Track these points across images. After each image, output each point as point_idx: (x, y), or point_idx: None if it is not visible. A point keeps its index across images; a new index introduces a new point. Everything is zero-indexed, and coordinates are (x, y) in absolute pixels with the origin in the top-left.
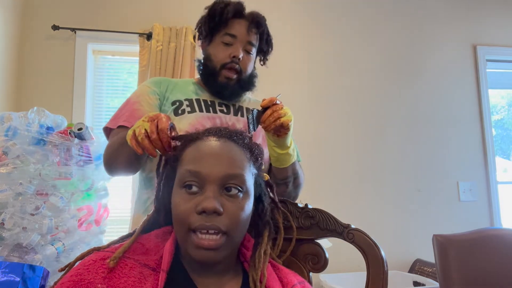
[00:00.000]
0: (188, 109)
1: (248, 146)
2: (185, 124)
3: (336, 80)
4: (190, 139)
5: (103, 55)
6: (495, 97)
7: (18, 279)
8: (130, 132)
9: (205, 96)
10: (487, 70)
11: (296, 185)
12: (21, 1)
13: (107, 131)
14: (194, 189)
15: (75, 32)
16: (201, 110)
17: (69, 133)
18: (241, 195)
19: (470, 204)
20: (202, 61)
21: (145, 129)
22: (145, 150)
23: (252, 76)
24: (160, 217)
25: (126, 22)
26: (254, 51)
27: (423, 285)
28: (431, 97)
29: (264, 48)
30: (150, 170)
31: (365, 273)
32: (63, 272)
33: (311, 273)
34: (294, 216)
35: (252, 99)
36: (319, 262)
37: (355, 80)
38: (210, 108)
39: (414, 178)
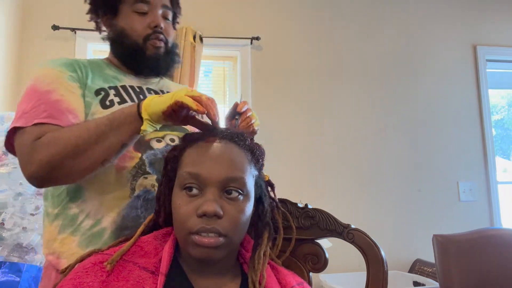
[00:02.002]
0: (117, 99)
1: (249, 148)
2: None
3: (336, 80)
4: (191, 139)
5: (103, 55)
6: (495, 97)
7: (18, 279)
8: (179, 94)
9: (129, 81)
10: (487, 70)
11: None
12: (21, 1)
13: (12, 133)
14: (195, 191)
15: (75, 32)
16: (132, 100)
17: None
18: (241, 197)
19: (470, 204)
20: (115, 38)
21: (198, 93)
22: (209, 108)
23: (174, 46)
24: (160, 219)
25: None
26: (171, 16)
27: (423, 285)
28: (431, 97)
29: (177, 11)
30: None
31: (365, 273)
32: (62, 274)
33: (311, 273)
34: (294, 216)
35: (178, 84)
36: (319, 262)
37: (355, 80)
38: (141, 96)
39: (414, 178)
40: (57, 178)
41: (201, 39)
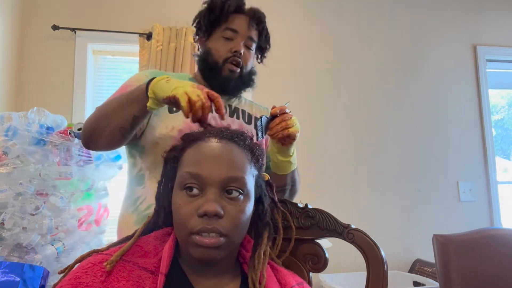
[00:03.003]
0: None
1: (249, 147)
2: (179, 121)
3: (337, 80)
4: (191, 139)
5: (103, 55)
6: (495, 97)
7: (18, 279)
8: (179, 90)
9: None
10: (487, 70)
11: (293, 192)
12: (21, 1)
13: None
14: (195, 191)
15: (75, 32)
16: None
17: (69, 133)
18: (241, 197)
19: (470, 204)
20: (202, 55)
21: (197, 95)
22: (202, 111)
23: (252, 72)
24: (160, 219)
25: (126, 22)
26: (254, 47)
27: (423, 285)
28: (431, 97)
29: (263, 45)
30: (140, 168)
31: (365, 273)
32: (62, 275)
33: (311, 273)
34: (294, 216)
35: (248, 100)
36: (319, 262)
37: (355, 80)
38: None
39: (414, 178)
40: (92, 141)
41: None
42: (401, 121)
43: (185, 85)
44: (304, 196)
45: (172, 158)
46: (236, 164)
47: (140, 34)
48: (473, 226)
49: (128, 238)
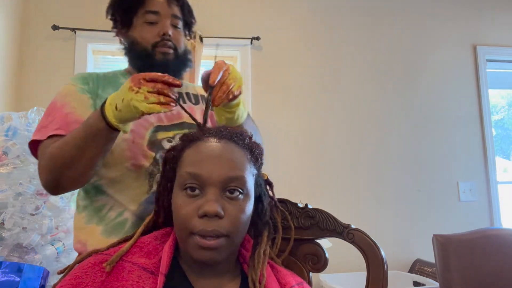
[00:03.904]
0: None
1: (248, 147)
2: (128, 124)
3: (336, 80)
4: (190, 139)
5: (103, 55)
6: (495, 97)
7: (18, 279)
8: (141, 104)
9: None
10: (487, 70)
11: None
12: (21, 1)
13: (34, 145)
14: (195, 191)
15: (75, 32)
16: None
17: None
18: (242, 197)
19: (470, 204)
20: (128, 47)
21: (146, 91)
22: (166, 100)
23: (187, 51)
24: (160, 219)
25: None
26: (181, 24)
27: (423, 285)
28: (431, 97)
29: (188, 20)
30: (98, 177)
31: (365, 273)
32: (62, 275)
33: (311, 273)
34: (294, 216)
35: (189, 84)
36: (319, 262)
37: (355, 80)
38: None
39: (414, 178)
40: (61, 188)
41: (201, 39)
42: (401, 121)
43: (132, 97)
44: (304, 196)
45: (171, 159)
46: (236, 163)
47: None
48: (473, 226)
49: (128, 239)
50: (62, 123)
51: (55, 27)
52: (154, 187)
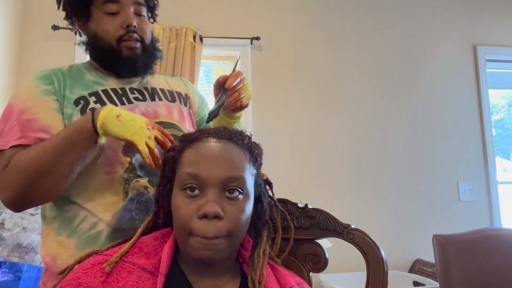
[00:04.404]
0: (98, 105)
1: (247, 147)
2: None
3: (336, 80)
4: (189, 140)
5: None
6: (495, 97)
7: (18, 279)
8: (141, 141)
9: (110, 83)
10: (487, 70)
11: None
12: (21, 1)
13: None
14: (195, 192)
15: (75, 32)
16: (114, 104)
17: None
18: (241, 197)
19: (470, 204)
20: (90, 42)
21: (154, 136)
22: (155, 160)
23: (154, 41)
24: (159, 220)
25: None
26: (145, 11)
27: (423, 285)
28: (431, 97)
29: (151, 4)
30: (68, 189)
31: (365, 273)
32: (62, 275)
33: (311, 273)
34: (294, 216)
35: (160, 76)
36: (319, 262)
37: (355, 80)
38: (123, 98)
39: (414, 178)
40: (30, 202)
41: (201, 39)
42: (401, 121)
43: (142, 128)
44: (304, 196)
45: (171, 159)
46: (236, 163)
47: None
48: (473, 226)
49: (127, 239)
50: (24, 131)
51: (55, 27)
52: (130, 195)
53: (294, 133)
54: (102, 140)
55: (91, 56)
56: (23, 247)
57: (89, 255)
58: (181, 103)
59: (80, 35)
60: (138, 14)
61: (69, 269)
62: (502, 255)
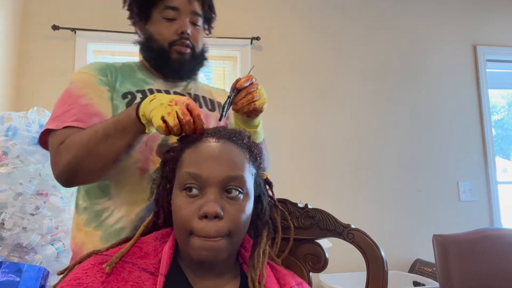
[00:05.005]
0: None
1: (247, 146)
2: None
3: (337, 79)
4: (189, 140)
5: (103, 55)
6: (495, 97)
7: (18, 279)
8: (157, 117)
9: (157, 84)
10: (487, 70)
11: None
12: (21, 1)
13: (45, 135)
14: (195, 192)
15: (75, 32)
16: None
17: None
18: (241, 196)
19: (470, 204)
20: (144, 42)
21: (175, 111)
22: (184, 130)
23: (204, 50)
24: (159, 220)
25: (126, 22)
26: (200, 22)
27: (423, 285)
28: (431, 97)
29: (208, 16)
30: (105, 177)
31: (365, 273)
32: (62, 275)
33: (311, 273)
34: (294, 216)
35: (205, 84)
36: (319, 262)
37: (355, 80)
38: None
39: (414, 178)
40: (78, 179)
41: None
42: (401, 121)
43: (162, 104)
44: (304, 196)
45: (171, 159)
46: (235, 163)
47: None
48: (473, 226)
49: (127, 239)
50: (80, 115)
51: (55, 27)
52: None
53: (294, 133)
54: (151, 131)
55: (143, 56)
56: (23, 247)
57: (89, 255)
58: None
59: (137, 34)
60: (193, 23)
61: (69, 269)
62: (502, 255)
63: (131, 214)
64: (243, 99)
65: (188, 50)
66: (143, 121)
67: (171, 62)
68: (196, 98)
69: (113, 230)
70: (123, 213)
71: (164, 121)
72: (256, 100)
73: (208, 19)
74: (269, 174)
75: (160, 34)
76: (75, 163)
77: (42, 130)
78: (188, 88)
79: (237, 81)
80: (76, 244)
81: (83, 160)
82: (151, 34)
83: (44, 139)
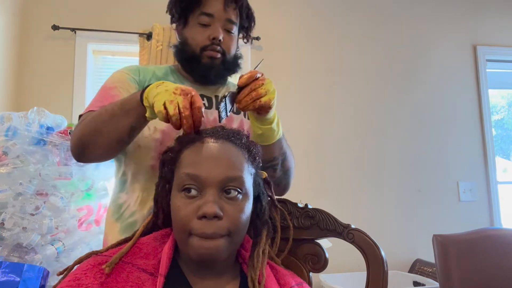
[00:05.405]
0: None
1: (246, 146)
2: (162, 122)
3: (336, 80)
4: (187, 140)
5: (103, 55)
6: (495, 97)
7: (18, 279)
8: (159, 101)
9: (186, 86)
10: (487, 70)
11: (286, 169)
12: (21, 1)
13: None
14: (194, 192)
15: (75, 32)
16: None
17: (69, 133)
18: (240, 197)
19: (470, 204)
20: (179, 46)
21: (177, 102)
22: (182, 124)
23: (237, 57)
24: (159, 220)
25: (126, 22)
26: (235, 29)
27: (423, 285)
28: (431, 97)
29: (245, 24)
30: (124, 172)
31: (365, 273)
32: (61, 276)
33: (311, 273)
34: (294, 216)
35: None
36: (319, 262)
37: (355, 80)
38: None
39: (414, 178)
40: (86, 155)
41: None
42: (401, 121)
43: (167, 91)
44: (304, 196)
45: (169, 160)
46: (234, 163)
47: (140, 34)
48: (473, 226)
49: (127, 240)
50: (106, 102)
51: (55, 27)
52: None
53: (294, 133)
54: (149, 114)
55: (177, 59)
56: (23, 247)
57: (88, 256)
58: (244, 116)
59: (176, 38)
60: (227, 30)
61: (68, 269)
62: (502, 255)
63: (144, 210)
64: (246, 97)
65: (219, 56)
66: (145, 104)
67: (201, 66)
68: (220, 99)
69: (128, 223)
70: (137, 207)
71: (165, 107)
72: (261, 97)
73: (246, 28)
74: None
75: (194, 39)
76: (83, 139)
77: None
78: (217, 91)
79: (240, 78)
80: (106, 234)
81: (90, 136)
82: (186, 38)
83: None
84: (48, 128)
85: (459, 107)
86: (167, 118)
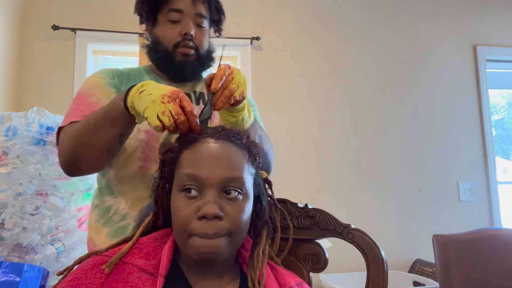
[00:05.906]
0: None
1: (246, 146)
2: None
3: (337, 79)
4: (187, 140)
5: (103, 55)
6: (495, 97)
7: (18, 279)
8: (152, 115)
9: None
10: (487, 70)
11: (264, 153)
12: (21, 1)
13: (58, 134)
14: (194, 193)
15: (75, 32)
16: None
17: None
18: (240, 197)
19: (470, 204)
20: (151, 45)
21: (169, 111)
22: (180, 129)
23: (210, 51)
24: (159, 220)
25: (126, 22)
26: (206, 23)
27: (423, 285)
28: (431, 97)
29: (216, 18)
30: (110, 177)
31: (365, 273)
32: (61, 276)
33: (311, 273)
34: (294, 216)
35: None
36: (319, 262)
37: (355, 80)
38: None
39: (414, 178)
40: (78, 168)
41: None
42: (401, 121)
43: (154, 102)
44: (304, 196)
45: (169, 160)
46: (234, 164)
47: (140, 34)
48: (473, 226)
49: (127, 240)
50: (86, 111)
51: (55, 27)
52: None
53: (293, 133)
54: (139, 120)
55: (150, 59)
56: (23, 247)
57: (88, 256)
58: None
59: (147, 40)
60: (198, 25)
61: (68, 270)
62: (502, 255)
63: (134, 212)
64: (221, 97)
65: (192, 52)
66: (132, 112)
67: (175, 64)
68: (200, 95)
69: (119, 226)
70: (127, 210)
71: (160, 119)
72: (234, 92)
73: (216, 21)
74: (269, 174)
75: (165, 36)
76: (73, 154)
77: (57, 129)
78: (194, 87)
79: (210, 79)
80: (91, 240)
81: (79, 150)
82: (157, 37)
83: (58, 139)
84: (48, 128)
85: (459, 107)
86: (164, 129)
